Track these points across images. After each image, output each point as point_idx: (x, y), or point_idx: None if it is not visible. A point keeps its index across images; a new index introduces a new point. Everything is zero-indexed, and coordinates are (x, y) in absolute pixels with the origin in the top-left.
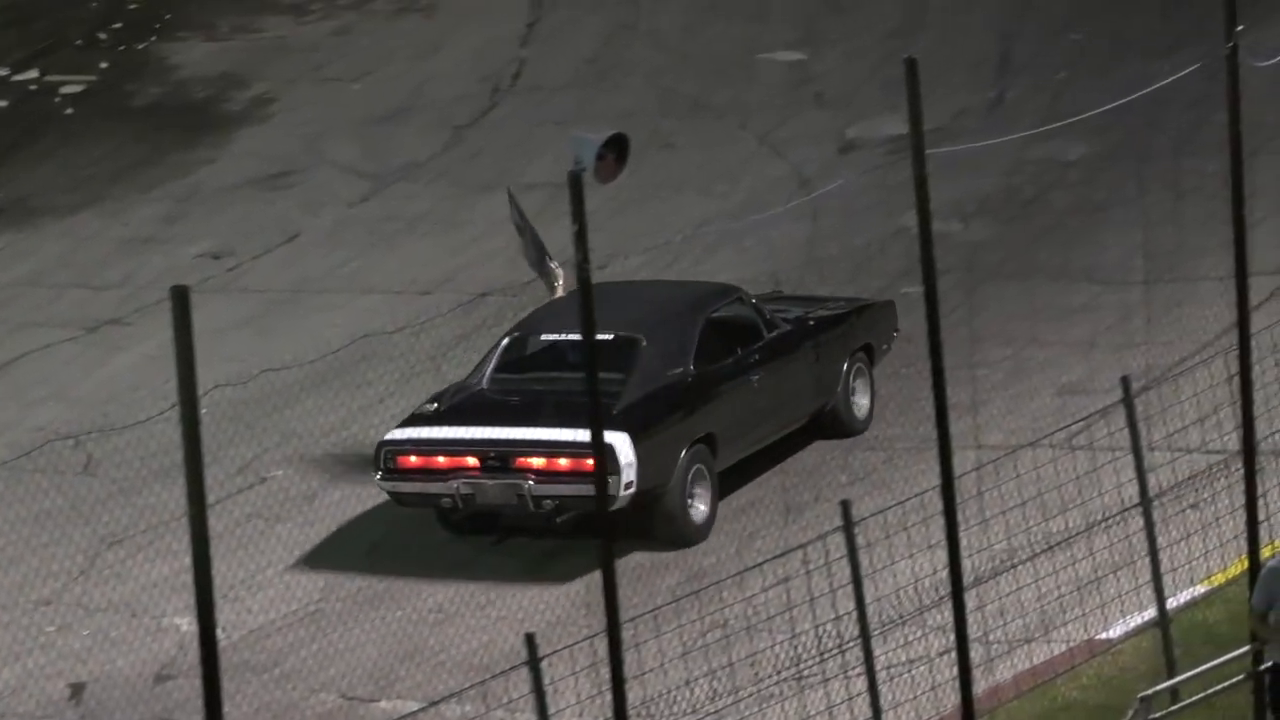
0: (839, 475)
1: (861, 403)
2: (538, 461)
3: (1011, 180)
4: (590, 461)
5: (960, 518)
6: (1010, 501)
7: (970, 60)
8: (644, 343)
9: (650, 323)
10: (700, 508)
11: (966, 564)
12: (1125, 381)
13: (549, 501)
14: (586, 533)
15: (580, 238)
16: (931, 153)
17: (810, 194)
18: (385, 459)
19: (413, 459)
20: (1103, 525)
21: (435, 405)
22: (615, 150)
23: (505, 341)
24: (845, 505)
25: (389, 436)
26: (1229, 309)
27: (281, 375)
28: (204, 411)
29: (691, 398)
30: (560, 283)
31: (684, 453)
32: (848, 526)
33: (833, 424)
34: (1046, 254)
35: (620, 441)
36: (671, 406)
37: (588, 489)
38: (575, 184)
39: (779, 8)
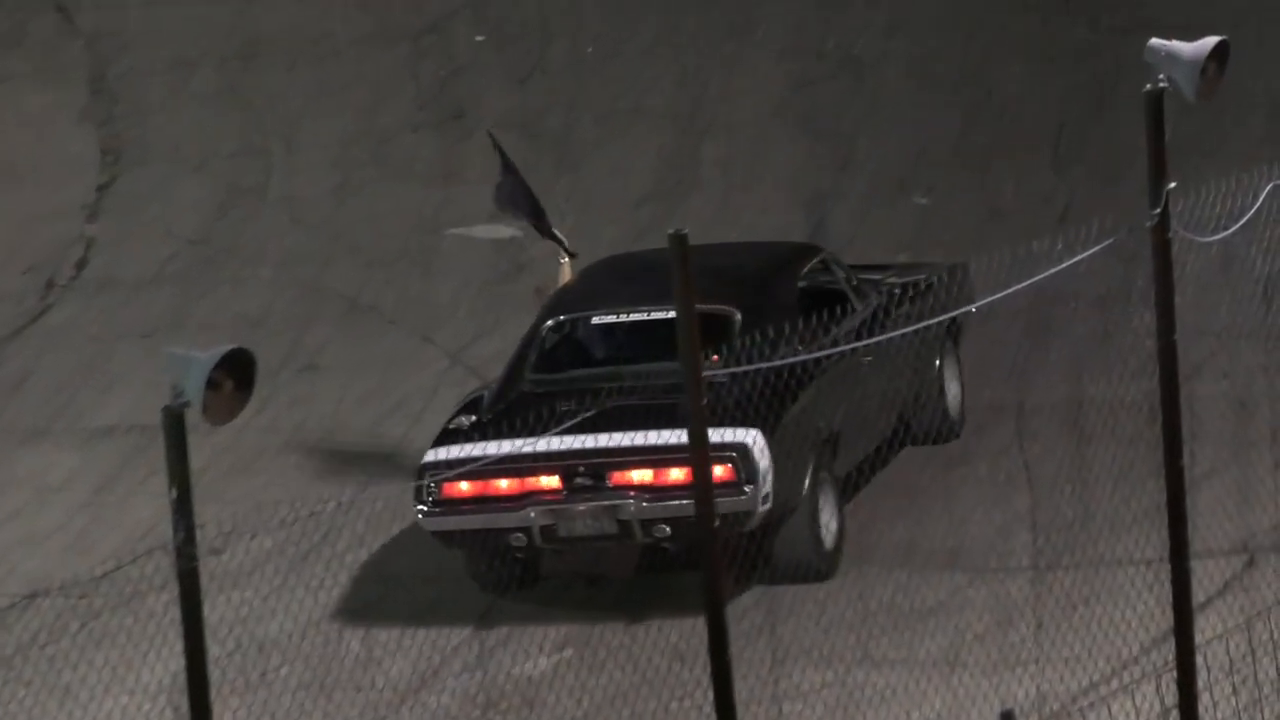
0: None
1: (953, 395)
2: (642, 475)
3: None
4: (718, 470)
5: None
6: None
7: None
8: (738, 317)
9: (739, 292)
10: (832, 528)
11: None
12: (1007, 718)
13: (662, 527)
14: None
15: (182, 507)
16: (710, 375)
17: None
18: (430, 488)
19: (463, 486)
20: None
21: (473, 417)
22: (235, 375)
23: (544, 329)
24: None
25: (431, 458)
26: (1162, 609)
27: None
28: None
29: (807, 387)
30: (567, 260)
31: (812, 457)
32: None
33: (923, 425)
34: (881, 522)
35: (754, 440)
36: (789, 398)
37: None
38: (175, 426)
39: (477, 158)
